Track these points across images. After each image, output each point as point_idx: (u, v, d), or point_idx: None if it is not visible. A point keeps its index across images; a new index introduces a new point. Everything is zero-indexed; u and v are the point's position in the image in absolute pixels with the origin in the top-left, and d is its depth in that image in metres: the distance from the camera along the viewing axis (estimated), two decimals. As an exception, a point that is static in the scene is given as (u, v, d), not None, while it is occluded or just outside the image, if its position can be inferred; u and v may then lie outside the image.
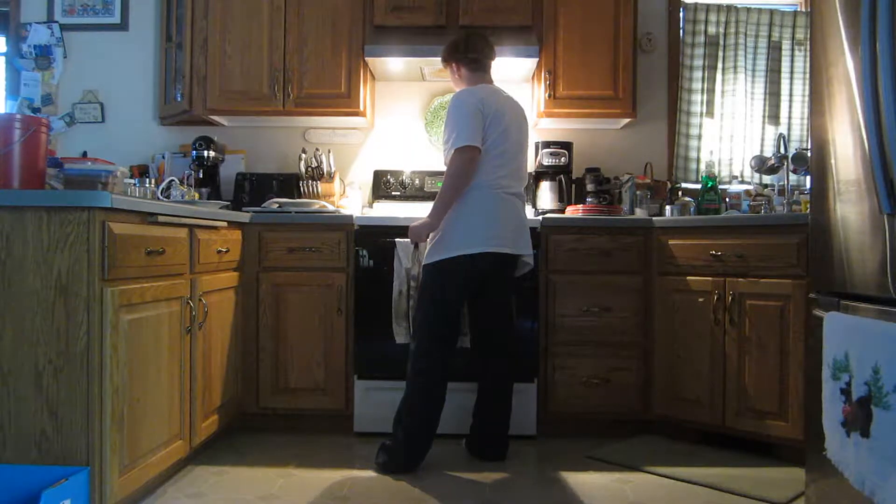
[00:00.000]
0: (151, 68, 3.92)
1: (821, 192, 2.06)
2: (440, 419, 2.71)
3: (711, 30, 3.81)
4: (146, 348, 2.21)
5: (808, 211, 2.22)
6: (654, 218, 3.17)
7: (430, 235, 2.71)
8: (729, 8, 3.80)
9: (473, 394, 2.88)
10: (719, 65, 3.81)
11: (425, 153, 3.87)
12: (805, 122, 3.81)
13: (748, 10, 3.81)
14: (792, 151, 3.38)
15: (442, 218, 2.65)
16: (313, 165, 3.62)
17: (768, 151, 3.73)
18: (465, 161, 2.59)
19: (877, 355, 1.61)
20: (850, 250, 1.89)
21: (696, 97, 3.80)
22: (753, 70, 3.82)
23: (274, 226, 3.15)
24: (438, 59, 3.44)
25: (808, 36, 2.59)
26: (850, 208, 1.89)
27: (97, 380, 1.96)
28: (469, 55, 2.79)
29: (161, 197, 3.07)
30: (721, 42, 3.81)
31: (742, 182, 3.75)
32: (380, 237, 3.09)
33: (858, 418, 1.66)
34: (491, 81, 2.84)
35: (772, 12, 3.83)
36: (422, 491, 2.48)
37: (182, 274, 2.47)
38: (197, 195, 3.31)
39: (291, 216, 3.17)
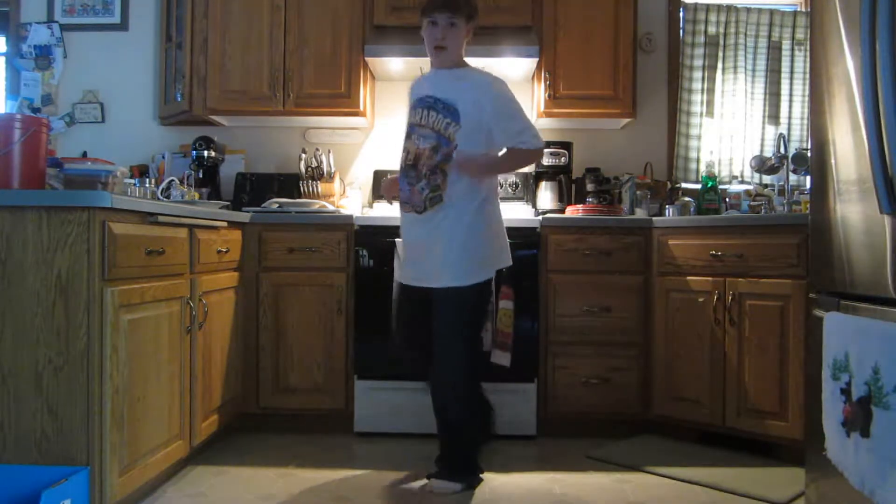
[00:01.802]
0: (151, 68, 3.92)
1: (821, 192, 2.06)
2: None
3: (711, 30, 3.81)
4: (146, 348, 2.21)
5: (808, 211, 2.22)
6: (654, 218, 3.17)
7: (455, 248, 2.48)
8: (729, 8, 3.80)
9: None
10: (719, 65, 3.81)
11: (425, 153, 3.86)
12: (805, 122, 3.81)
13: (748, 10, 3.81)
14: (792, 151, 3.38)
15: (491, 174, 2.57)
16: (313, 165, 3.62)
17: (768, 151, 3.73)
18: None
19: (877, 355, 1.61)
20: (850, 250, 1.89)
21: (696, 97, 3.80)
22: (753, 70, 3.82)
23: (274, 226, 3.14)
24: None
25: (808, 36, 2.59)
26: (850, 208, 1.89)
27: (97, 380, 1.96)
28: (476, 22, 2.61)
29: (161, 197, 3.07)
30: (721, 42, 3.81)
31: (742, 182, 3.75)
32: (380, 237, 3.10)
33: (858, 418, 1.66)
34: None
35: (772, 12, 3.83)
36: (421, 491, 2.48)
37: (182, 274, 2.47)
38: (197, 195, 3.31)
39: (291, 216, 3.17)
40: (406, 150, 2.58)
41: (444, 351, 2.50)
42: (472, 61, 3.47)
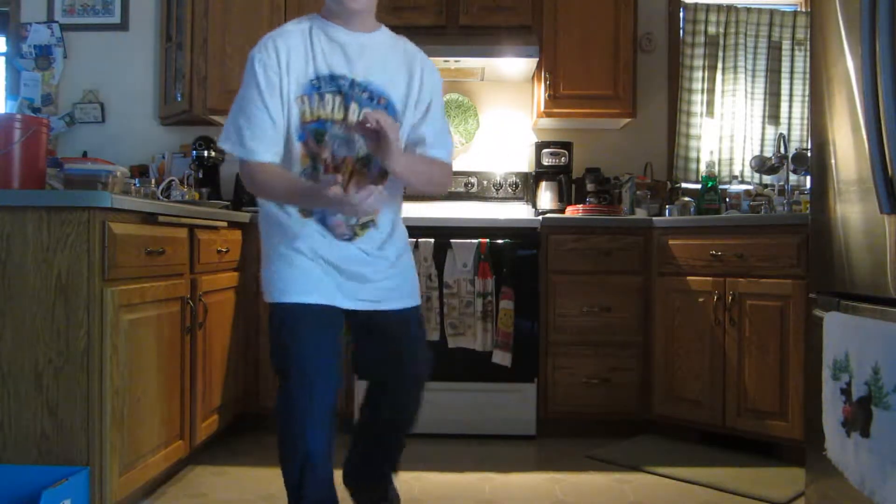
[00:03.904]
0: (151, 68, 3.92)
1: (821, 192, 2.06)
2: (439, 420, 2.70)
3: (711, 30, 3.81)
4: (146, 348, 2.21)
5: (808, 211, 2.22)
6: (654, 218, 3.17)
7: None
8: (729, 8, 3.80)
9: (467, 393, 2.87)
10: (719, 65, 3.81)
11: (425, 153, 3.86)
12: (805, 122, 3.81)
13: (748, 10, 3.81)
14: (792, 151, 3.38)
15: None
16: (313, 165, 3.61)
17: (768, 151, 3.73)
18: None
19: (877, 355, 1.61)
20: (850, 250, 1.89)
21: (696, 97, 3.80)
22: (753, 70, 3.82)
23: (274, 226, 3.14)
24: (439, 59, 3.44)
25: (808, 36, 2.59)
26: (850, 208, 1.89)
27: (97, 380, 1.96)
28: None
29: (161, 197, 3.07)
30: (721, 42, 3.81)
31: (742, 182, 3.74)
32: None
33: (858, 418, 1.66)
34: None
35: (772, 12, 3.83)
36: (421, 490, 2.48)
37: (182, 274, 2.47)
38: (197, 195, 3.31)
39: (291, 216, 3.16)
40: (314, 157, 1.75)
41: (424, 369, 2.02)
42: (473, 61, 3.53)
